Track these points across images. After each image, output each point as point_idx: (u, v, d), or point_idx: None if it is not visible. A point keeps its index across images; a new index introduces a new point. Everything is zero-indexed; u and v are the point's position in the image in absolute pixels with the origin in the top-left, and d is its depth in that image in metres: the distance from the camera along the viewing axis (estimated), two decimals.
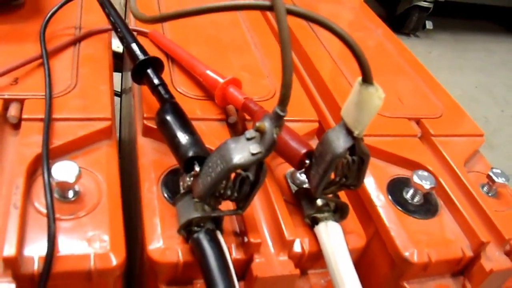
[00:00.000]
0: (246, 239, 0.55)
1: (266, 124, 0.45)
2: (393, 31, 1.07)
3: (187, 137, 0.55)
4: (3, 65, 0.67)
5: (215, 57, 0.82)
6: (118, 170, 0.61)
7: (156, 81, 0.63)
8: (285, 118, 0.61)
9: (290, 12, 0.44)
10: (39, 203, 0.54)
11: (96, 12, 0.82)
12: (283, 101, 0.44)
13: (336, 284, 0.54)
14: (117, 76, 1.14)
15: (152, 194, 0.59)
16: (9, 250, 0.48)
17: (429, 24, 2.86)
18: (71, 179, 0.53)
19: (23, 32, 0.77)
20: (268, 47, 0.89)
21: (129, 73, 0.91)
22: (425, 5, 2.71)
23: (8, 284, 0.47)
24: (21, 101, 0.65)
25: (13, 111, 0.63)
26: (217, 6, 0.46)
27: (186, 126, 0.57)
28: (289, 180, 0.64)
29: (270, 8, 0.43)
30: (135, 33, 0.82)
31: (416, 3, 2.69)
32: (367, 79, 0.47)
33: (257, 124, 0.45)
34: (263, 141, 0.46)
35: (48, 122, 0.61)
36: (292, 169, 0.64)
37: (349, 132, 0.50)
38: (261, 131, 0.45)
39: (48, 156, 0.57)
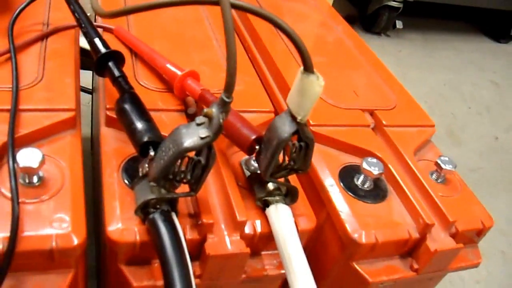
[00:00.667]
0: (200, 221, 0.59)
1: (214, 110, 0.49)
2: (364, 30, 1.11)
3: (142, 124, 0.58)
4: None
5: (177, 52, 0.85)
6: (81, 157, 0.65)
7: (116, 73, 0.66)
8: (242, 109, 0.65)
9: (234, 6, 0.47)
10: (5, 188, 0.57)
11: (63, 9, 0.85)
12: (228, 88, 0.47)
13: (285, 262, 0.57)
14: (89, 74, 1.16)
15: (112, 179, 0.62)
16: None
17: (399, 24, 2.91)
18: (34, 164, 0.56)
19: None
20: None
21: None
22: (395, 5, 2.75)
23: None
24: None
25: None
26: (168, 1, 0.50)
27: (142, 113, 0.60)
28: (243, 167, 0.68)
29: (216, 3, 0.47)
30: (101, 29, 0.85)
31: (386, 3, 2.74)
32: (307, 68, 0.51)
33: (205, 110, 0.49)
34: (211, 126, 0.49)
35: (14, 112, 0.64)
36: (247, 156, 0.68)
37: (293, 118, 0.54)
38: (209, 117, 0.49)
39: (13, 144, 0.60)
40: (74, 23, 0.83)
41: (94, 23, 0.79)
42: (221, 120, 0.49)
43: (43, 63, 0.75)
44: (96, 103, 0.82)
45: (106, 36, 0.85)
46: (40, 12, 0.87)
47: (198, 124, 0.50)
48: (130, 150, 0.66)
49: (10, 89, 0.67)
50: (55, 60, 0.76)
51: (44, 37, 0.81)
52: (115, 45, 0.78)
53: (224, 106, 0.48)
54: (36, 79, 0.71)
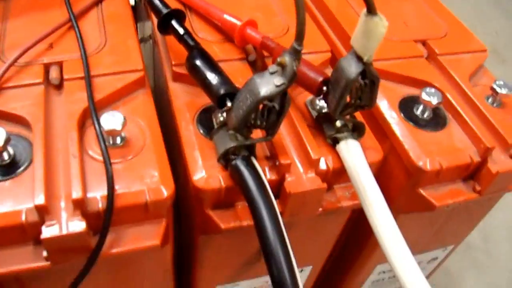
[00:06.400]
0: (277, 162, 0.63)
1: (287, 59, 0.52)
2: None
3: (217, 77, 0.61)
4: (37, 32, 0.73)
5: (228, 0, 0.86)
6: (156, 114, 0.69)
7: (181, 31, 0.69)
8: None
9: None
10: (93, 151, 0.62)
11: None
12: (299, 37, 0.50)
13: (360, 194, 0.61)
14: None
15: (189, 131, 0.66)
16: (77, 193, 0.55)
17: None
18: (118, 127, 0.60)
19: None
20: None
21: (146, 23, 0.96)
22: None
23: (79, 222, 0.55)
24: (59, 64, 0.71)
25: (54, 73, 0.69)
26: None
27: (215, 67, 0.63)
28: (309, 107, 0.70)
29: None
30: None
31: None
32: (371, 10, 0.52)
33: (279, 59, 0.52)
34: (285, 73, 0.52)
35: (89, 79, 0.68)
36: (311, 97, 0.71)
37: (359, 58, 0.57)
38: (282, 65, 0.52)
39: (95, 109, 0.64)
40: None
41: None
42: (294, 68, 0.51)
43: (104, 27, 0.78)
44: (155, 58, 0.85)
45: None
46: None
47: (272, 73, 0.53)
48: (200, 102, 0.70)
49: (79, 57, 0.71)
50: (114, 23, 0.79)
51: (98, 1, 0.83)
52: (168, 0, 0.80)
53: (296, 54, 0.51)
54: (100, 45, 0.75)
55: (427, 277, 1.13)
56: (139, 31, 1.19)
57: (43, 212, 0.55)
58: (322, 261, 0.93)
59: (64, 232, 0.55)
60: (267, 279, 0.85)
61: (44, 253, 0.57)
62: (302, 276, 0.93)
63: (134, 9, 1.13)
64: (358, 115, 0.70)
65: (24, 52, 0.70)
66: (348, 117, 0.64)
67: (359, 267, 0.96)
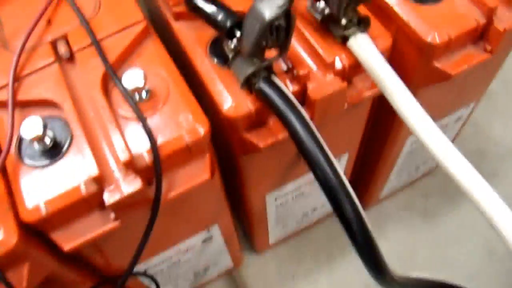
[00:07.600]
0: (296, 73, 0.65)
1: None
2: None
3: (219, 11, 0.63)
4: (31, 13, 0.72)
5: None
6: (170, 57, 0.70)
7: None
8: None
9: None
10: (124, 111, 0.64)
11: None
12: None
13: (378, 82, 0.63)
14: None
15: (206, 65, 0.68)
16: (124, 155, 0.59)
17: None
18: (140, 83, 0.62)
19: None
20: None
21: None
22: None
23: (134, 179, 0.59)
24: (64, 37, 0.71)
25: (62, 48, 0.69)
26: None
27: (214, 2, 0.65)
28: (312, 11, 0.70)
29: None
30: None
31: None
32: None
33: None
34: None
35: (98, 44, 0.68)
36: (310, 2, 0.71)
37: None
38: None
39: (114, 71, 0.66)
40: None
41: None
42: None
43: None
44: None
45: None
46: None
47: None
48: (208, 35, 0.71)
49: (80, 25, 0.71)
50: None
51: None
52: None
53: None
54: (95, 7, 0.74)
55: (457, 134, 1.18)
56: None
57: (100, 181, 0.59)
58: (356, 147, 0.98)
59: (125, 193, 0.59)
60: (309, 176, 0.91)
61: (112, 215, 0.62)
62: (340, 163, 0.99)
63: None
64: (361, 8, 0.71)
65: (28, 36, 0.70)
66: (351, 13, 0.66)
67: (391, 145, 1.01)
